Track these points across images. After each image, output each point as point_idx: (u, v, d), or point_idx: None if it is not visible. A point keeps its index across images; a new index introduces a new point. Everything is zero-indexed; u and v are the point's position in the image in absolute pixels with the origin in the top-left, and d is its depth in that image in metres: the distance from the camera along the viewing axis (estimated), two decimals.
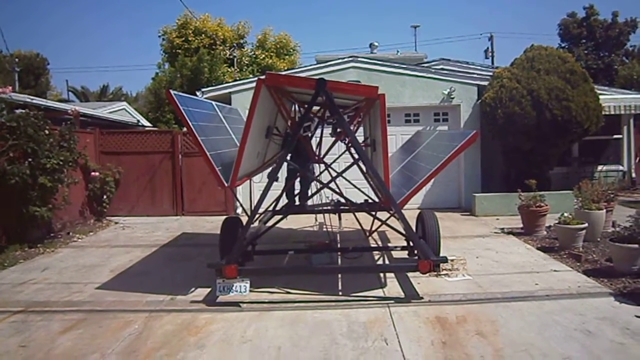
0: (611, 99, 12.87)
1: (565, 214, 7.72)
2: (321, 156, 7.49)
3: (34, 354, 4.43)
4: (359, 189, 8.19)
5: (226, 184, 5.75)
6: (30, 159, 8.45)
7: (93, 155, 11.54)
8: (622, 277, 6.01)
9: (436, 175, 6.13)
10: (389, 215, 7.00)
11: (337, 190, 7.16)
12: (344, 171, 7.21)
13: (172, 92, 5.70)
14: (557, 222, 7.69)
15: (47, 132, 8.82)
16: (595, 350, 4.19)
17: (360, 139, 8.33)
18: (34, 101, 10.65)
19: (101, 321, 5.18)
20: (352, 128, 7.46)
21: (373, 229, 7.27)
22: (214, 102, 8.01)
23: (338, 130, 7.59)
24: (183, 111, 5.65)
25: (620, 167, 13.62)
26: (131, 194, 12.13)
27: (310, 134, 7.61)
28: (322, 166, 7.53)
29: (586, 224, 7.54)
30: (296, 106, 7.83)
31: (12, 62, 28.57)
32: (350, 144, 7.42)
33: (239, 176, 5.81)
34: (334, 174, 7.18)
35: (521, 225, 9.10)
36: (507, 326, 4.76)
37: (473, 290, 5.88)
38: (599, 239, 7.85)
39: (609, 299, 5.41)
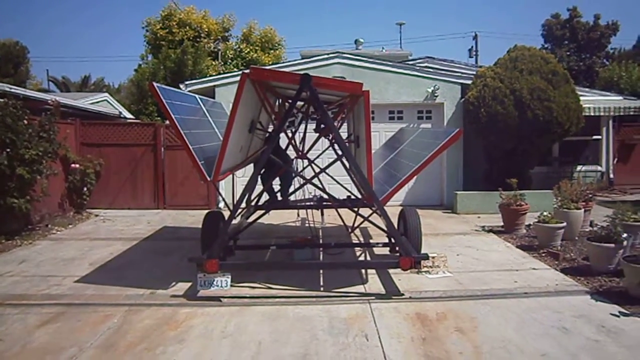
0: (592, 101, 13.07)
1: (545, 213, 7.83)
2: (305, 152, 7.48)
3: (10, 347, 4.37)
4: (341, 185, 8.21)
5: (209, 178, 5.72)
6: (8, 150, 8.30)
7: (73, 147, 11.37)
8: (599, 275, 6.13)
9: (419, 172, 6.19)
10: (371, 211, 7.04)
11: (320, 186, 7.16)
12: (327, 167, 7.22)
13: (155, 84, 5.64)
14: (536, 220, 7.80)
15: (26, 122, 8.67)
16: (571, 347, 4.26)
17: (344, 135, 8.34)
18: (12, 90, 10.44)
19: (80, 315, 5.12)
20: (335, 124, 7.47)
21: (355, 225, 7.30)
22: (197, 96, 7.94)
23: (322, 126, 7.58)
24: (166, 104, 5.60)
25: (599, 168, 13.85)
26: (112, 186, 11.99)
27: (293, 129, 7.61)
28: (305, 162, 7.53)
29: (565, 223, 7.65)
30: (280, 101, 7.80)
31: None
32: (333, 140, 7.43)
33: (222, 170, 5.78)
34: (317, 170, 7.18)
35: (502, 224, 9.20)
36: (486, 323, 4.81)
37: (453, 287, 5.94)
38: (577, 238, 7.97)
39: (586, 297, 5.51)
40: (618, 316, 4.92)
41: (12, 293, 5.85)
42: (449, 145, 6.21)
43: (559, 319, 4.89)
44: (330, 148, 7.96)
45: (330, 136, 7.63)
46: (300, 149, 7.56)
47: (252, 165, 7.64)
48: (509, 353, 4.18)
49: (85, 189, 11.31)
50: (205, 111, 7.71)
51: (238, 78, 5.61)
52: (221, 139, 5.74)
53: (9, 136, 8.26)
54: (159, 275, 6.45)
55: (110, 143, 11.96)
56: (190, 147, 5.63)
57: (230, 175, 9.35)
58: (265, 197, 8.26)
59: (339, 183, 8.05)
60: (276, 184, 8.26)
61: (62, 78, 36.72)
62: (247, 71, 5.64)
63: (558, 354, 4.15)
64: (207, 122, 7.48)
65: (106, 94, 21.60)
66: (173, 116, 5.61)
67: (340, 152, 6.66)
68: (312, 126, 7.92)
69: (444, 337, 4.52)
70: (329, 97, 6.97)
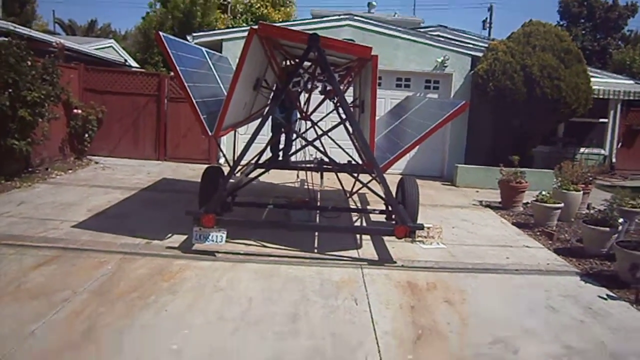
0: (602, 82, 12.89)
1: (544, 192, 7.83)
2: (309, 113, 7.42)
3: (4, 286, 4.43)
4: (343, 150, 8.19)
5: (210, 133, 5.69)
6: (10, 90, 8.21)
7: (76, 92, 11.27)
8: (591, 258, 6.17)
9: (421, 142, 6.15)
10: (370, 178, 7.04)
11: (322, 149, 7.13)
12: (330, 130, 7.17)
13: (161, 34, 5.55)
14: (534, 199, 7.81)
15: (29, 63, 8.55)
16: (556, 326, 4.33)
17: (350, 99, 8.26)
18: (17, 30, 10.24)
19: (75, 259, 5.18)
20: (342, 87, 7.39)
21: (354, 190, 7.31)
22: (204, 49, 7.83)
23: (328, 88, 7.50)
24: (171, 55, 5.52)
25: (602, 151, 13.78)
26: (113, 134, 11.95)
27: (299, 90, 7.54)
28: (309, 123, 7.48)
29: (562, 204, 7.67)
30: (287, 61, 7.69)
31: None
32: (338, 104, 7.36)
33: (224, 126, 5.74)
34: (320, 133, 7.14)
35: (500, 200, 9.22)
36: (475, 296, 4.88)
37: (446, 258, 5.99)
38: (573, 220, 8.00)
39: (576, 278, 5.57)
40: (605, 299, 4.99)
41: (9, 233, 5.89)
42: (454, 117, 6.16)
43: (547, 297, 4.95)
44: (335, 112, 7.89)
45: (335, 99, 7.55)
46: (305, 110, 7.49)
47: (254, 122, 7.59)
48: (495, 327, 4.25)
49: (86, 135, 11.28)
50: (212, 65, 7.62)
51: (246, 33, 5.51)
52: (225, 94, 5.69)
53: (11, 76, 8.16)
54: (155, 226, 6.49)
55: (113, 91, 11.84)
56: (194, 100, 5.58)
57: (232, 132, 9.33)
58: (266, 154, 8.24)
59: (340, 147, 8.02)
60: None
61: (69, 21, 36.04)
62: (255, 27, 5.53)
63: (543, 331, 4.22)
64: (212, 77, 7.40)
65: (112, 41, 21.26)
66: (178, 68, 5.54)
67: (344, 116, 6.62)
68: (317, 89, 7.84)
69: (432, 306, 4.58)
70: (337, 59, 6.87)
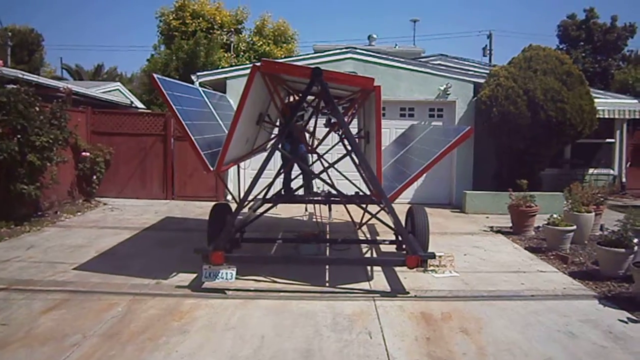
0: (606, 103, 12.91)
1: (555, 215, 7.74)
2: (314, 146, 7.44)
3: (14, 332, 4.39)
4: (350, 181, 8.17)
5: (212, 168, 5.71)
6: (19, 136, 8.35)
7: (84, 135, 11.43)
8: (608, 280, 6.05)
9: (429, 170, 6.13)
10: (379, 208, 7.00)
11: (329, 181, 7.12)
12: (336, 162, 7.16)
13: (155, 76, 5.65)
14: (546, 223, 7.72)
15: (37, 108, 8.71)
16: (577, 352, 4.20)
17: (354, 130, 8.29)
18: (25, 77, 10.45)
19: (84, 302, 5.14)
20: (346, 119, 7.44)
21: (363, 221, 7.26)
22: (201, 89, 7.99)
23: (332, 120, 7.54)
24: (167, 95, 5.59)
25: (611, 171, 13.69)
26: (121, 175, 12.05)
27: (303, 123, 7.58)
28: (315, 156, 7.50)
29: (574, 226, 7.57)
30: (291, 97, 7.77)
31: (5, 36, 28.16)
32: (343, 135, 7.38)
33: (226, 161, 5.76)
34: (326, 165, 7.15)
35: (510, 225, 9.12)
36: (491, 324, 4.77)
37: (459, 287, 5.89)
38: (586, 242, 7.88)
39: (594, 301, 5.44)
40: (626, 322, 4.86)
41: (19, 278, 5.88)
42: (460, 142, 6.14)
43: (565, 323, 4.83)
44: (340, 143, 7.92)
45: (340, 131, 7.59)
46: (310, 143, 7.52)
47: (257, 157, 7.64)
48: (514, 356, 4.13)
49: (94, 177, 11.37)
50: (210, 104, 7.72)
51: (249, 71, 5.58)
52: (225, 131, 5.73)
53: (20, 122, 8.31)
54: (164, 266, 6.46)
55: (120, 132, 12.00)
56: (193, 138, 5.63)
57: (237, 167, 9.38)
58: (273, 189, 8.23)
59: (347, 179, 8.01)
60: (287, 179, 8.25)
61: (76, 66, 36.90)
62: (257, 64, 5.61)
63: (563, 359, 4.10)
64: (211, 114, 7.50)
65: (118, 84, 21.65)
66: (174, 107, 5.61)
67: (349, 148, 6.62)
68: (322, 121, 7.88)
69: (448, 337, 4.48)
70: (340, 91, 6.93)
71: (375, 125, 5.78)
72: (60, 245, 7.49)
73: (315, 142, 7.56)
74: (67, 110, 9.73)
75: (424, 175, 6.58)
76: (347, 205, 7.37)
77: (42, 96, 9.16)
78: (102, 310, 4.95)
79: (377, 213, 6.87)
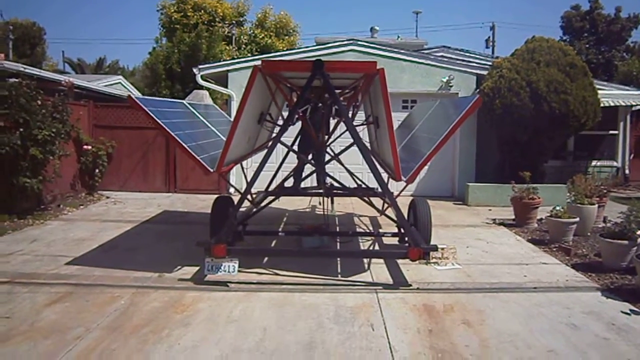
0: (609, 95, 12.83)
1: (558, 208, 7.72)
2: (325, 140, 7.37)
3: (17, 325, 4.40)
4: (351, 174, 8.13)
5: (211, 170, 5.71)
6: (21, 129, 8.36)
7: (86, 128, 11.43)
8: (610, 272, 6.03)
9: (443, 145, 5.81)
10: (382, 201, 6.98)
11: (331, 173, 7.11)
12: (339, 154, 7.15)
13: (133, 96, 5.70)
14: (548, 215, 7.70)
15: (39, 102, 8.71)
16: (579, 344, 4.20)
17: (363, 117, 8.24)
18: (27, 70, 10.48)
19: (88, 295, 5.15)
20: (353, 107, 7.40)
21: (374, 211, 7.18)
22: (184, 101, 8.20)
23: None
24: (150, 112, 5.57)
25: (615, 163, 13.64)
26: (124, 168, 12.06)
27: (308, 117, 7.55)
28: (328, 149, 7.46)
29: (577, 219, 7.55)
30: (295, 93, 7.74)
31: (7, 29, 28.14)
32: (347, 126, 7.34)
33: (227, 161, 5.75)
34: (329, 158, 7.13)
35: (513, 217, 9.11)
36: (493, 316, 4.77)
37: (462, 279, 5.89)
38: (589, 234, 7.87)
39: (596, 293, 5.43)
40: (629, 314, 4.85)
41: (22, 272, 5.90)
42: (472, 112, 5.85)
43: (568, 315, 4.82)
44: (348, 134, 7.86)
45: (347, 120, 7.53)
46: (322, 136, 7.47)
47: (259, 154, 7.62)
48: (516, 348, 4.13)
49: (97, 170, 11.38)
50: (197, 113, 7.79)
51: (251, 63, 5.60)
52: (219, 136, 5.69)
53: (22, 116, 8.31)
54: (167, 259, 6.47)
55: (123, 126, 11.99)
56: (185, 146, 5.64)
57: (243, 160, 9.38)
58: (276, 181, 8.22)
59: (349, 171, 7.97)
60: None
61: (78, 60, 36.93)
62: (258, 64, 5.55)
63: (566, 351, 4.09)
64: (201, 123, 7.62)
65: (120, 77, 21.68)
66: (160, 122, 5.60)
67: (359, 137, 6.50)
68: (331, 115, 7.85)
69: (450, 329, 4.48)
70: (344, 81, 6.87)
71: (384, 108, 5.64)
72: (64, 239, 7.51)
73: (326, 136, 7.51)
74: (69, 103, 9.74)
75: (426, 167, 6.49)
76: (351, 198, 7.33)
77: (44, 90, 9.15)
78: (105, 303, 4.96)
79: (385, 209, 6.77)
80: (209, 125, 7.75)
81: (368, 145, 8.51)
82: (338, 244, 7.30)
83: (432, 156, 5.78)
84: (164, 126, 5.61)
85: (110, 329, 4.38)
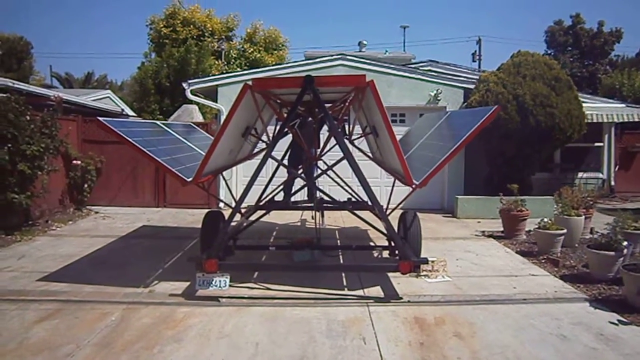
0: (594, 107, 13.06)
1: (545, 219, 7.81)
2: (319, 154, 7.41)
3: (6, 343, 4.36)
4: (342, 187, 8.18)
5: (187, 180, 5.74)
6: (9, 145, 8.30)
7: (75, 143, 11.38)
8: (598, 283, 6.11)
9: (460, 150, 5.86)
10: (372, 214, 7.01)
11: (321, 187, 7.13)
12: (329, 168, 7.17)
13: (101, 119, 5.75)
14: (537, 226, 7.78)
15: (28, 117, 8.67)
16: (569, 355, 4.25)
17: (359, 130, 8.29)
18: (15, 85, 10.43)
19: (78, 312, 5.11)
20: (347, 120, 7.41)
21: (365, 224, 7.21)
22: (158, 122, 8.41)
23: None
24: (120, 132, 5.69)
25: (600, 175, 13.83)
26: (113, 183, 12.00)
27: (298, 131, 7.59)
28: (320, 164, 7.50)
29: (565, 230, 7.63)
30: (285, 108, 7.79)
31: None
32: (337, 140, 7.38)
33: (205, 172, 5.78)
34: (323, 172, 7.16)
35: (502, 229, 9.19)
36: (484, 328, 4.80)
37: (452, 292, 5.92)
38: (577, 245, 7.95)
39: (585, 304, 5.49)
40: (617, 324, 4.91)
41: (11, 289, 5.84)
42: (491, 119, 5.79)
43: (557, 326, 4.87)
44: (338, 148, 7.90)
45: (343, 135, 7.58)
46: (314, 151, 7.51)
47: (249, 164, 7.65)
48: (507, 359, 4.17)
49: (86, 185, 11.32)
50: (173, 132, 7.92)
51: (241, 78, 5.65)
52: (196, 150, 5.68)
53: (10, 131, 8.27)
54: (157, 274, 6.45)
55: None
56: (158, 159, 5.76)
57: (232, 174, 9.37)
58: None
59: (339, 185, 8.01)
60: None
61: (66, 74, 36.82)
62: (249, 83, 5.59)
63: None
64: (175, 139, 7.69)
65: (109, 91, 21.60)
66: (130, 140, 5.71)
67: (352, 151, 6.53)
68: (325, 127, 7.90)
69: (442, 342, 4.50)
70: (335, 95, 6.93)
71: (381, 117, 5.66)
72: (52, 255, 7.45)
73: (319, 150, 7.55)
74: (57, 118, 9.70)
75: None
76: (341, 212, 7.37)
77: (33, 105, 9.13)
78: (96, 319, 4.93)
79: (389, 218, 6.78)
80: (185, 141, 7.89)
81: (370, 155, 8.57)
82: (328, 258, 7.31)
83: (448, 160, 5.71)
84: (135, 144, 5.73)
85: (101, 345, 4.35)
